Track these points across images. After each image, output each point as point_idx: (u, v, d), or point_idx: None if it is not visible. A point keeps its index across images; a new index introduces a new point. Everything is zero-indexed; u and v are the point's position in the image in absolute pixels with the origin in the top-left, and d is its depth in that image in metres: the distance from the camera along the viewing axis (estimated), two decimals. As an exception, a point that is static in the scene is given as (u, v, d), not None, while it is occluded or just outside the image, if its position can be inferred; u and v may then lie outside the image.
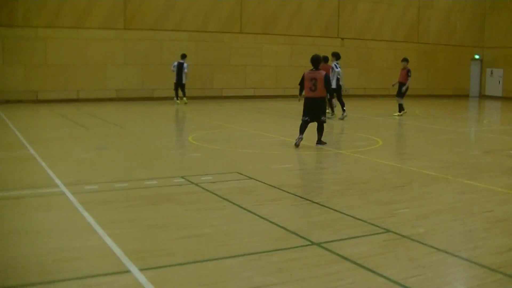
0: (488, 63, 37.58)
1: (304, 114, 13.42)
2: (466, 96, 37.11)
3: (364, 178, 9.90)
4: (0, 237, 6.36)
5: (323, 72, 13.40)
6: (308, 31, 31.75)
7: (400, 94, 21.41)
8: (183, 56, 24.99)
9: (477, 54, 37.68)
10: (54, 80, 25.68)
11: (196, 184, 9.12)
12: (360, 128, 17.82)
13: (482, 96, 37.60)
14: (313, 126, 13.57)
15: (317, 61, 13.47)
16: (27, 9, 25.11)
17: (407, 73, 21.20)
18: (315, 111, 13.39)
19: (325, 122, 13.62)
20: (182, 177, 9.61)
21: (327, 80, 13.38)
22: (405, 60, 21.69)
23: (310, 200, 8.22)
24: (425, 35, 35.64)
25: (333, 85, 19.18)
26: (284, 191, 8.82)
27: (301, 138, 13.33)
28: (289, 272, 5.41)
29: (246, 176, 9.84)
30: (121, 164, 11.34)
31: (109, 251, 5.93)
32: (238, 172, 10.13)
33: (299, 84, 13.79)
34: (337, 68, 20.13)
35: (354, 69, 32.10)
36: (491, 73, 37.40)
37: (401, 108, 21.62)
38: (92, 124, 17.80)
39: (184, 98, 25.27)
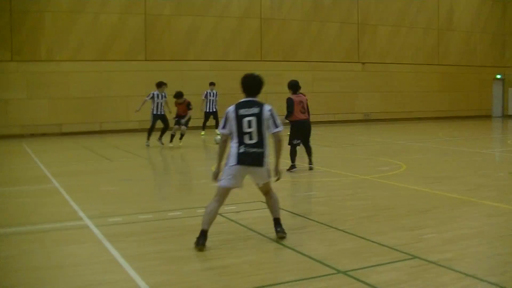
0: (510, 83, 37.40)
1: (296, 138, 13.59)
2: (489, 117, 36.87)
3: (390, 204, 9.79)
4: (25, 273, 6.37)
5: (304, 96, 13.91)
6: (329, 57, 31.81)
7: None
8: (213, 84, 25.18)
9: (499, 74, 37.49)
10: (77, 113, 26.31)
11: (220, 215, 9.08)
12: (382, 153, 17.72)
13: (506, 116, 37.35)
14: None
15: (297, 86, 13.90)
16: (50, 45, 25.82)
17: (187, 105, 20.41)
18: (307, 134, 13.77)
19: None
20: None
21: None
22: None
23: (335, 228, 8.16)
24: (446, 57, 35.53)
25: None
26: (309, 219, 8.78)
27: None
28: (316, 302, 5.34)
29: (270, 204, 9.76)
30: (145, 195, 11.38)
31: (134, 284, 5.92)
32: (261, 201, 10.05)
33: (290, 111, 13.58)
34: None
35: (375, 93, 32.05)
36: (513, 92, 37.29)
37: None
38: (116, 156, 17.88)
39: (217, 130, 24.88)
